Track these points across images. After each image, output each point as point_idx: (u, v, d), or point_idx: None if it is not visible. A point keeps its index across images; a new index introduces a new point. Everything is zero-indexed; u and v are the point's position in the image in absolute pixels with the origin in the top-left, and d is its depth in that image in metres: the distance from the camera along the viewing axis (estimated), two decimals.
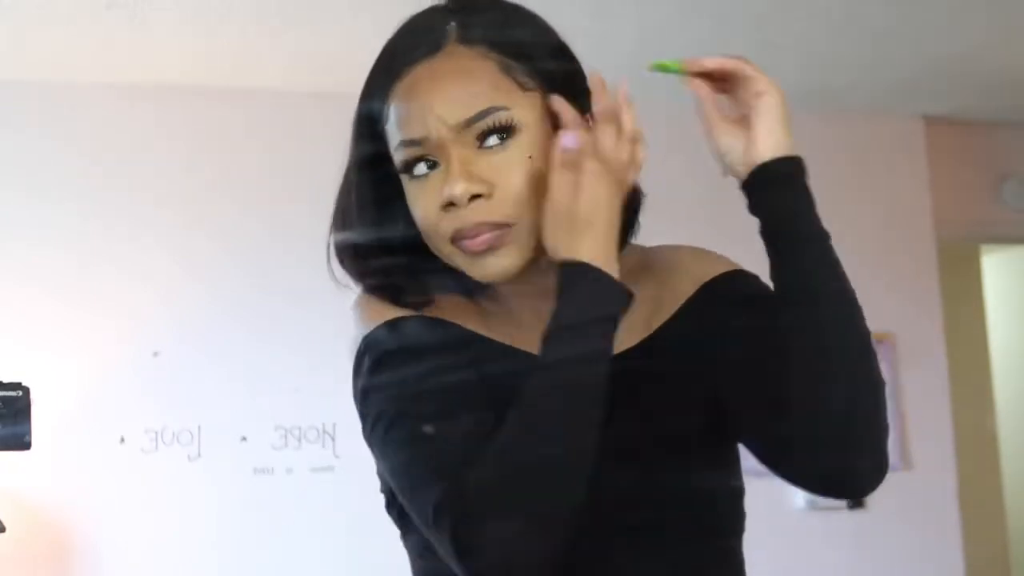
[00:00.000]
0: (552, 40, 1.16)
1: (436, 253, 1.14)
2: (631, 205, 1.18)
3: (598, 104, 1.08)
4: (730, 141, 1.14)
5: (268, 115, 3.79)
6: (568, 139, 1.06)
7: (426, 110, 1.10)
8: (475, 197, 1.08)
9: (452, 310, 1.18)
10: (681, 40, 3.54)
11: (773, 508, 3.87)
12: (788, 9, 3.39)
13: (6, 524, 2.69)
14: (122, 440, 3.54)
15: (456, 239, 1.10)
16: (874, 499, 4.35)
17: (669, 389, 1.16)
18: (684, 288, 1.19)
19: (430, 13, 1.15)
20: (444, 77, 1.10)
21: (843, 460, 1.09)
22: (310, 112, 3.77)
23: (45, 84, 3.63)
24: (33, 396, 2.34)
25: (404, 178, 1.14)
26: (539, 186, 1.09)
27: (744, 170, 1.13)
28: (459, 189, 1.07)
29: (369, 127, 1.14)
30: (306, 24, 3.33)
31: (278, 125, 3.81)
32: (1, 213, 3.56)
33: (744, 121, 1.13)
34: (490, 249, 1.09)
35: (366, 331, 1.14)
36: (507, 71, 1.11)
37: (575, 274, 1.04)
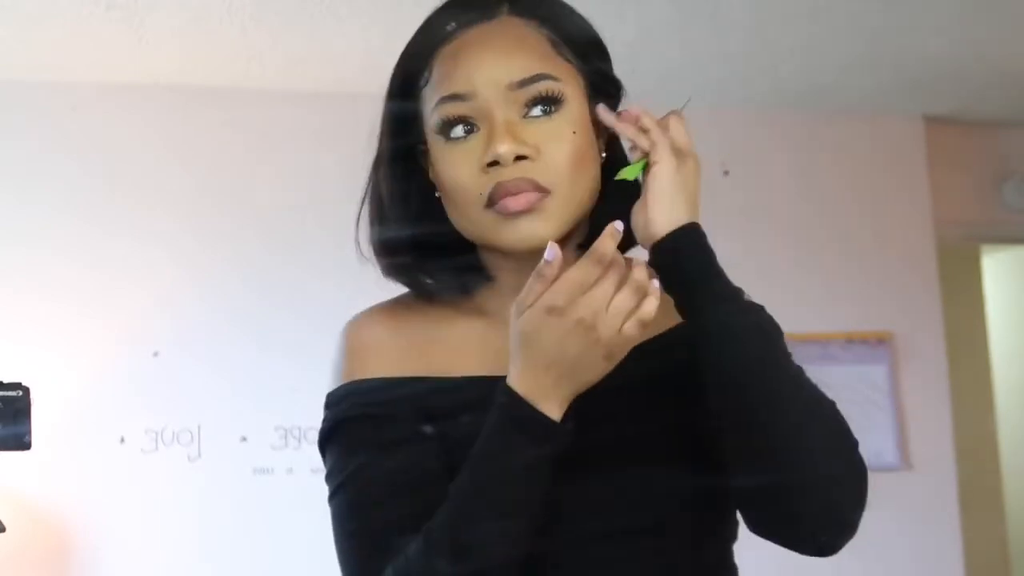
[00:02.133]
0: (593, 33, 1.16)
1: (460, 222, 1.12)
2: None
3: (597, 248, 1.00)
4: (635, 216, 1.09)
5: (268, 115, 3.79)
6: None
7: (475, 68, 1.09)
8: (520, 159, 1.07)
9: (449, 312, 1.17)
10: (680, 40, 3.54)
11: None
12: (787, 8, 3.38)
13: (6, 524, 2.69)
14: (122, 440, 3.54)
15: (494, 198, 1.07)
16: (874, 499, 4.35)
17: (666, 392, 1.14)
18: None
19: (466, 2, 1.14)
20: (498, 39, 1.10)
21: (799, 525, 1.06)
22: (310, 112, 3.77)
23: (45, 84, 3.63)
24: (33, 396, 2.34)
25: (437, 141, 1.11)
26: (580, 163, 1.09)
27: (647, 247, 1.09)
28: (505, 147, 1.06)
29: (406, 88, 1.13)
30: (306, 24, 3.33)
31: (278, 125, 3.81)
32: (0, 213, 3.56)
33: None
34: (527, 211, 1.07)
35: (332, 386, 1.15)
36: (556, 47, 1.12)
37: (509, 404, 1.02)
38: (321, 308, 2.90)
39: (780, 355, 1.05)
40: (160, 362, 3.59)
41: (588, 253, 0.99)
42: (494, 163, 1.06)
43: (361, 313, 1.19)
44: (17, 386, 2.34)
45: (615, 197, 1.14)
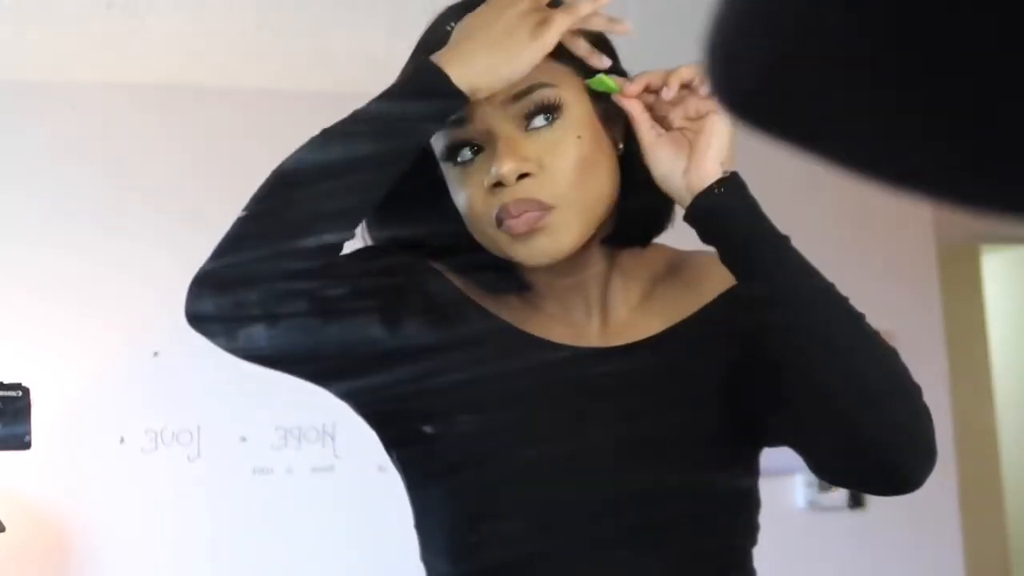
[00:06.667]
0: (591, 29, 1.15)
1: (480, 241, 1.11)
2: (662, 197, 1.15)
3: None
4: (670, 164, 1.08)
5: (268, 115, 3.79)
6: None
7: None
8: (523, 176, 1.06)
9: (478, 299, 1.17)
10: (681, 39, 3.53)
11: (773, 508, 3.84)
12: None
13: (6, 524, 2.69)
14: (122, 440, 3.54)
15: (500, 220, 1.06)
16: (874, 499, 4.36)
17: (678, 387, 1.14)
18: (708, 292, 1.18)
19: (470, 1, 1.13)
20: None
21: (878, 457, 1.04)
22: (310, 112, 3.75)
23: (45, 84, 3.62)
24: (33, 396, 2.33)
25: (447, 167, 1.11)
26: (588, 168, 1.08)
27: (687, 195, 1.07)
28: (507, 167, 1.05)
29: None
30: (306, 24, 3.33)
31: (278, 125, 3.79)
32: (1, 213, 3.56)
33: (681, 139, 1.08)
34: (535, 230, 1.06)
35: None
36: (552, 51, 1.09)
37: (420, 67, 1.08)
38: None
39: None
40: (160, 362, 3.59)
41: None
42: (498, 184, 1.06)
43: None
44: (17, 386, 2.33)
45: (639, 185, 1.13)
